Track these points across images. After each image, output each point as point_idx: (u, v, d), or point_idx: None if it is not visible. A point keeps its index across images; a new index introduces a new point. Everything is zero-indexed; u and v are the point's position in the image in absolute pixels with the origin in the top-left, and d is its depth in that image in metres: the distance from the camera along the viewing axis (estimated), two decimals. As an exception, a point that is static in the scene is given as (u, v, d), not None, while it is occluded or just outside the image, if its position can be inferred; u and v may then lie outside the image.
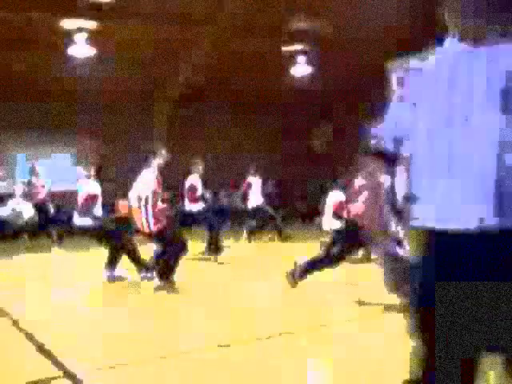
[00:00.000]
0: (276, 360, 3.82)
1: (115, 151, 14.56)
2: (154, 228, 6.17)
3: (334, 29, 11.73)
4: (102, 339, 4.50)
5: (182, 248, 6.32)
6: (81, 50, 11.55)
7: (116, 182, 10.92)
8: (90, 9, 10.41)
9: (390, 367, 3.57)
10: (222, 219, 10.16)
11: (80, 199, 7.02)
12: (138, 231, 6.44)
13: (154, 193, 6.19)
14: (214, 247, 9.09)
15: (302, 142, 17.60)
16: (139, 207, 6.20)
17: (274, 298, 6.00)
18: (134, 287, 6.64)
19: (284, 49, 13.16)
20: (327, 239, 8.28)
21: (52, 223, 11.60)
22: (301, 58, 13.69)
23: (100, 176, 7.35)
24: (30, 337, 4.44)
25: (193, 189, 9.07)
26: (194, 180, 9.16)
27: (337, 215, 8.36)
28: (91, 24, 11.14)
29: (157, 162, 6.44)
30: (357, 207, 5.68)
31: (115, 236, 6.97)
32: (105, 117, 14.89)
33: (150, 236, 6.34)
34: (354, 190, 5.91)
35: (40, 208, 11.71)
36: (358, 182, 5.85)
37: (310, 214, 14.70)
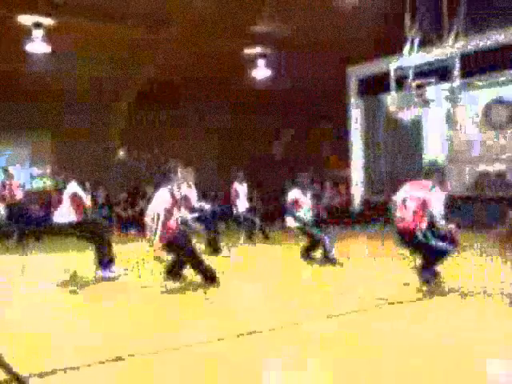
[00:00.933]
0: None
1: (78, 151, 14.35)
2: (161, 241, 6.19)
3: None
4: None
5: (194, 249, 6.54)
6: (39, 47, 10.92)
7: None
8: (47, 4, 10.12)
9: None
10: (217, 221, 10.10)
11: (67, 201, 7.12)
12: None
13: (167, 210, 6.21)
14: (213, 248, 9.15)
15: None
16: (151, 223, 6.25)
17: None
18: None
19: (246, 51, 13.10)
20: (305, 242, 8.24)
21: (28, 223, 11.48)
22: (260, 61, 13.42)
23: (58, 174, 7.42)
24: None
25: (185, 200, 8.79)
26: (185, 190, 8.82)
27: (290, 211, 8.14)
28: (49, 21, 10.57)
29: (176, 180, 6.55)
30: (408, 216, 6.02)
31: (103, 231, 7.26)
32: (65, 116, 14.48)
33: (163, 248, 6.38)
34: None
35: (13, 209, 11.40)
36: (406, 191, 6.20)
37: (272, 215, 14.55)
